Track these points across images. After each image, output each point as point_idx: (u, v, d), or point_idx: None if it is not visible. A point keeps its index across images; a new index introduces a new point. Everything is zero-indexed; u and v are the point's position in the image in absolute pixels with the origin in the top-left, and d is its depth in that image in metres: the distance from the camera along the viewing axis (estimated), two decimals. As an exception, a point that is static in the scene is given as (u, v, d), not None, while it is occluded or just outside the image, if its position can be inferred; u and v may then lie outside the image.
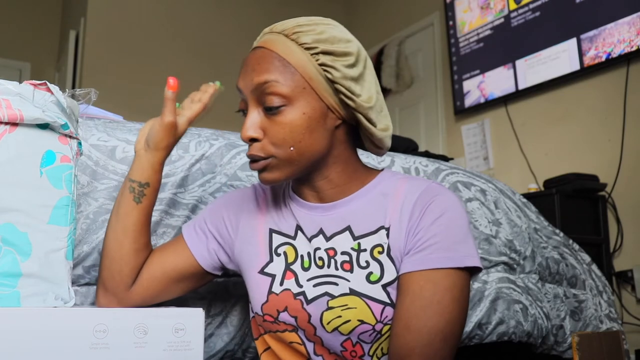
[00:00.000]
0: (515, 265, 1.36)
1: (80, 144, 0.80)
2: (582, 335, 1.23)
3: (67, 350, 0.69)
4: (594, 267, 1.66)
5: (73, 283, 0.91)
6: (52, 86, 0.75)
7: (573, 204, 2.49)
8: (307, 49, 0.78)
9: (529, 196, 2.44)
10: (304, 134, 0.78)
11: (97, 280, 0.87)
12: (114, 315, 0.73)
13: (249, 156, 0.80)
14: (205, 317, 0.79)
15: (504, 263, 1.34)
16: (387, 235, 0.80)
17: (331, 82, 0.78)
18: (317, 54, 0.78)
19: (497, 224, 1.37)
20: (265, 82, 0.76)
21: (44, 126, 0.74)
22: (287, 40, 0.78)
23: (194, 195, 1.06)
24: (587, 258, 1.66)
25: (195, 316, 0.77)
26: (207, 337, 1.01)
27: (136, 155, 0.85)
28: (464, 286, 0.76)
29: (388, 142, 0.85)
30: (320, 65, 0.78)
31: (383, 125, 0.83)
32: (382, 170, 0.87)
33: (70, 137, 0.77)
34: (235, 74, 0.83)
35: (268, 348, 0.87)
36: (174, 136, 0.84)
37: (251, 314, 0.89)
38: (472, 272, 0.78)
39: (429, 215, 0.78)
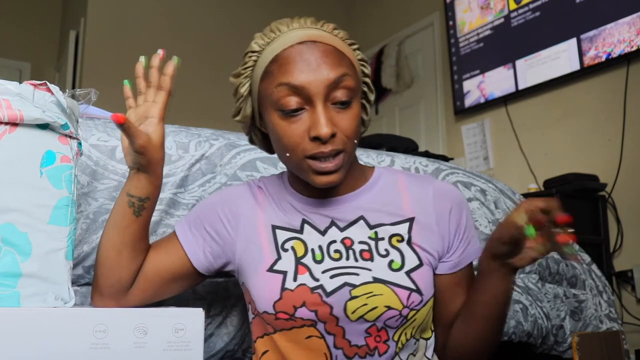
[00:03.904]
0: (515, 265, 1.36)
1: (80, 144, 0.80)
2: (582, 335, 1.23)
3: (67, 350, 0.69)
4: (594, 267, 1.66)
5: (73, 283, 0.90)
6: (52, 86, 0.75)
7: (573, 204, 2.49)
8: (350, 44, 0.81)
9: (529, 196, 2.44)
10: (360, 126, 0.82)
11: (92, 286, 0.85)
12: (114, 315, 0.73)
13: (325, 153, 0.75)
14: (205, 317, 0.79)
15: (504, 263, 1.34)
16: (410, 228, 0.84)
17: (365, 75, 0.83)
18: (356, 49, 0.81)
19: (497, 224, 1.36)
20: (343, 75, 0.76)
21: (44, 126, 0.74)
22: (332, 36, 0.79)
23: (194, 195, 1.06)
24: (587, 258, 1.65)
25: (195, 316, 0.77)
26: (207, 337, 1.00)
27: (130, 172, 0.80)
28: None
29: None
30: (360, 60, 0.82)
31: None
32: (374, 167, 0.92)
33: (70, 137, 0.77)
34: (236, 74, 0.82)
35: (267, 351, 0.85)
36: (156, 146, 0.78)
37: (251, 316, 0.87)
38: None
39: (456, 213, 0.86)
